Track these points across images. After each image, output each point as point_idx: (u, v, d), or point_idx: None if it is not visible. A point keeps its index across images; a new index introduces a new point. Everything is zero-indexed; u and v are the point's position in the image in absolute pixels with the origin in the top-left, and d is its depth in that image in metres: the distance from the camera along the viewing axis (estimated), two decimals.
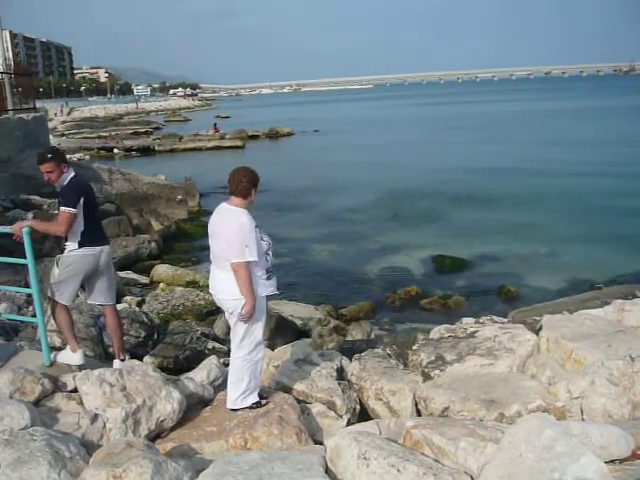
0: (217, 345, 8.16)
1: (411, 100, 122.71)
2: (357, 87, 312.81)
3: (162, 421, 4.64)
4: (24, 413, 4.15)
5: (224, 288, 4.75)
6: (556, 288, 11.39)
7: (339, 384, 5.57)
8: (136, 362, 5.08)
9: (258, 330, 4.90)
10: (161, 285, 12.15)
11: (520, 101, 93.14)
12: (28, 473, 3.57)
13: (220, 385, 5.65)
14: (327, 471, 3.61)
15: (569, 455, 3.14)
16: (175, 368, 7.26)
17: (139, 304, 10.48)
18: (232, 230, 4.61)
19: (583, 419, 4.54)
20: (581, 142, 35.44)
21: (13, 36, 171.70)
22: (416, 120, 63.99)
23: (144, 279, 12.80)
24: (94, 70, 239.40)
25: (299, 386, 5.46)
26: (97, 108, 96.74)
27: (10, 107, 18.00)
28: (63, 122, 67.88)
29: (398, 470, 3.38)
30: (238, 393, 4.89)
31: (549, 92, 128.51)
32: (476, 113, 69.84)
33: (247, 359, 4.89)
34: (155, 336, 8.29)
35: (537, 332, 5.88)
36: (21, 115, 17.83)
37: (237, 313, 4.73)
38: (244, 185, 4.73)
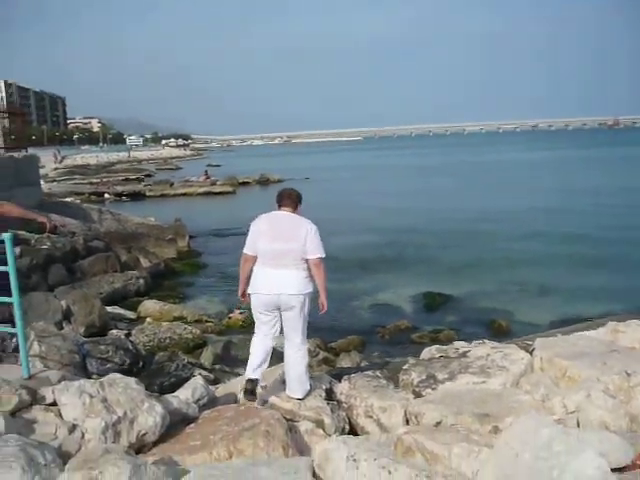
0: (204, 372, 7.98)
1: (400, 151, 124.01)
2: (347, 139, 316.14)
3: (143, 435, 4.45)
4: None
5: (296, 284, 5.19)
6: (546, 322, 11.29)
7: (328, 404, 5.41)
8: (118, 375, 4.90)
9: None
10: (148, 319, 11.98)
11: (506, 152, 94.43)
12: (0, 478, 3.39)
13: (205, 405, 5.47)
14: (315, 477, 3.45)
15: (568, 453, 3.01)
16: (160, 395, 7.05)
17: (125, 337, 10.31)
18: (308, 231, 5.23)
19: None
20: (573, 188, 35.87)
21: (8, 85, 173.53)
22: (405, 168, 64.67)
23: (131, 314, 12.61)
24: (87, 120, 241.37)
25: (287, 405, 5.29)
26: (89, 156, 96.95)
27: (1, 145, 18.01)
28: (55, 169, 67.95)
29: (389, 472, 3.23)
30: (307, 379, 5.44)
31: (537, 143, 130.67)
32: (465, 162, 70.67)
33: (305, 350, 5.52)
34: (140, 364, 8.10)
35: (530, 353, 5.77)
36: (12, 153, 17.84)
37: (302, 307, 5.26)
38: (294, 198, 5.52)
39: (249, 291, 5.40)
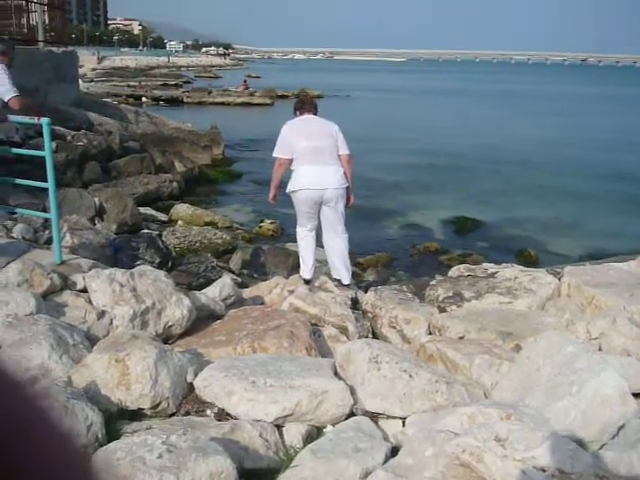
0: (233, 276, 8.08)
1: (444, 75, 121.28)
2: (391, 59, 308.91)
3: (170, 326, 4.55)
4: (30, 300, 4.08)
5: (338, 178, 5.62)
6: (577, 255, 11.14)
7: (353, 312, 5.47)
8: (148, 267, 4.98)
9: None
10: (179, 222, 12.10)
11: (552, 84, 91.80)
12: (29, 353, 3.50)
13: (232, 304, 5.57)
14: (336, 376, 3.51)
15: (589, 370, 3.01)
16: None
17: (157, 236, 10.44)
18: (337, 131, 5.70)
19: None
20: (617, 127, 34.82)
21: None
22: (447, 92, 63.33)
23: (163, 216, 12.72)
24: (128, 22, 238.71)
25: (312, 310, 5.34)
26: (128, 59, 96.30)
27: (41, 38, 17.85)
28: (93, 69, 67.69)
29: (410, 375, 3.27)
30: (350, 266, 5.98)
31: (585, 77, 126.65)
32: (507, 90, 68.93)
33: (347, 237, 5.93)
34: (169, 264, 8.22)
35: (559, 280, 5.73)
36: (51, 48, 17.69)
37: (342, 199, 5.68)
38: (314, 103, 6.03)
39: (292, 189, 5.64)
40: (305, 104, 5.92)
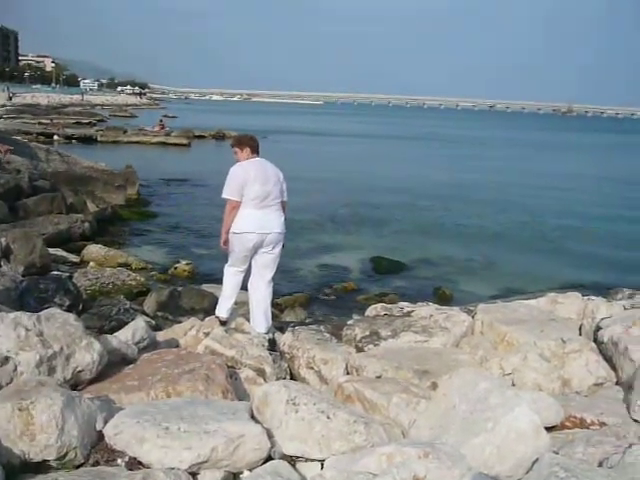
0: (146, 319, 7.86)
1: (360, 118, 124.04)
2: (307, 102, 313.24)
3: (79, 371, 4.36)
4: None
5: (281, 223, 5.77)
6: (489, 294, 11.46)
7: (270, 354, 5.41)
8: (57, 310, 4.77)
9: None
10: (91, 264, 11.76)
11: (466, 129, 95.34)
12: None
13: (146, 348, 5.41)
14: (253, 419, 3.43)
15: (503, 406, 3.06)
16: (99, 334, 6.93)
17: (67, 278, 10.08)
18: (281, 177, 5.83)
19: None
20: (526, 170, 36.41)
21: None
22: (362, 135, 64.78)
23: (74, 258, 12.33)
24: (40, 58, 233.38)
25: (229, 352, 5.26)
26: (40, 96, 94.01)
27: None
28: (2, 106, 65.68)
29: (328, 417, 3.24)
30: (270, 315, 6.01)
31: (494, 121, 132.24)
32: (424, 133, 71.18)
33: (272, 287, 6.09)
34: (80, 307, 7.92)
35: (472, 318, 5.85)
36: None
37: (280, 244, 5.82)
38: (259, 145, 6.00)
39: (236, 231, 5.61)
40: (255, 145, 5.88)
